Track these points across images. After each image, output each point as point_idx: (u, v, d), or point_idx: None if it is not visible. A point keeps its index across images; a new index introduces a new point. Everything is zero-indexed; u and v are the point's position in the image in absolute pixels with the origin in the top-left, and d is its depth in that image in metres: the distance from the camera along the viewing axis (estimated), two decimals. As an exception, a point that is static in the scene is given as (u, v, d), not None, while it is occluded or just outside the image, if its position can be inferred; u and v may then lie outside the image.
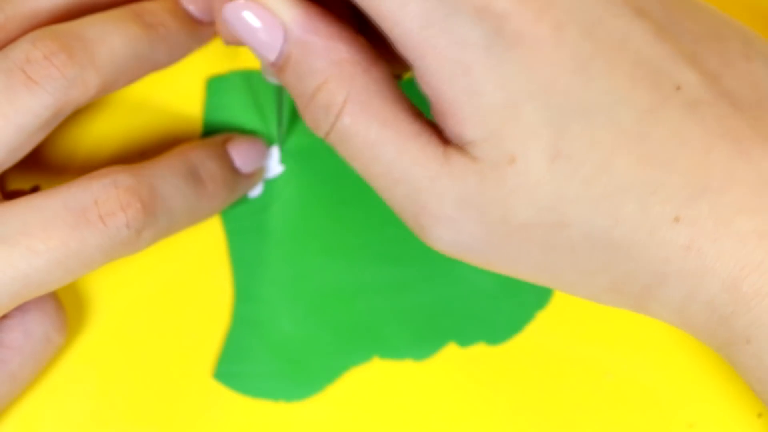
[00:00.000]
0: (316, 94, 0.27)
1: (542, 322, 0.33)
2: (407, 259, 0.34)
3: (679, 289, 0.26)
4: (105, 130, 0.34)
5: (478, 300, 0.33)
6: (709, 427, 0.32)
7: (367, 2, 0.26)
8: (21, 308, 0.30)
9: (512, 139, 0.25)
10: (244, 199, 0.34)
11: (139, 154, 0.34)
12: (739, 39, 0.27)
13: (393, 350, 0.33)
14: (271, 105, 0.34)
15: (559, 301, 0.33)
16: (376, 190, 0.27)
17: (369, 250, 0.34)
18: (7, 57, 0.29)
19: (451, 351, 0.33)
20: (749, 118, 0.26)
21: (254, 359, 0.33)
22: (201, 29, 0.33)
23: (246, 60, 0.35)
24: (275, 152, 0.34)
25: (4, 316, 0.30)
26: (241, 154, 0.33)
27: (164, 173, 0.30)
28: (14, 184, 0.33)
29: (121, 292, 0.33)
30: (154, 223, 0.30)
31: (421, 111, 0.27)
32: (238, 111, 0.34)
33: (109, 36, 0.30)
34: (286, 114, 0.34)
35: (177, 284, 0.33)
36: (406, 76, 0.34)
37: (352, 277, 0.33)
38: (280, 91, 0.33)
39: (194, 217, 0.32)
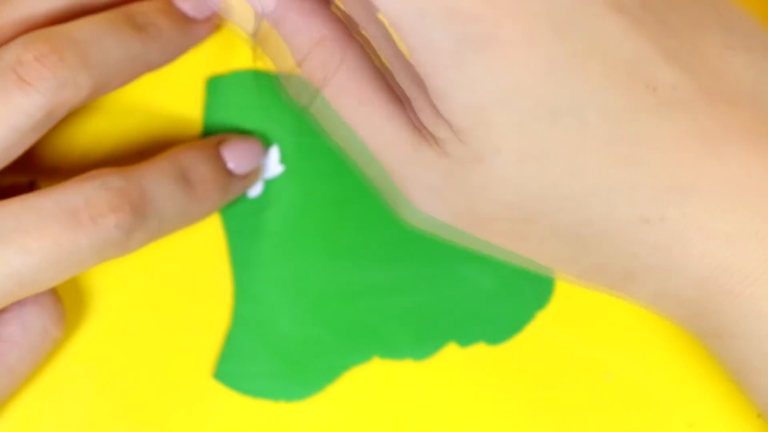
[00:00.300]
0: (296, 68, 0.27)
1: (542, 322, 0.33)
2: (407, 259, 0.34)
3: (650, 284, 0.26)
4: (104, 131, 0.34)
5: (478, 300, 0.33)
6: (709, 427, 0.32)
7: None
8: (18, 302, 0.30)
9: (480, 140, 0.25)
10: (244, 199, 0.34)
11: (138, 154, 0.34)
12: (721, 27, 0.26)
13: (393, 350, 0.33)
14: (272, 105, 0.34)
15: (559, 301, 0.33)
16: (356, 164, 0.28)
17: (369, 250, 0.34)
18: (0, 59, 0.29)
19: (451, 351, 0.33)
20: (724, 116, 0.25)
21: (254, 359, 0.33)
22: (195, 27, 0.33)
23: (246, 60, 0.35)
24: (275, 152, 0.34)
25: (2, 310, 0.30)
26: (235, 155, 0.33)
27: (154, 176, 0.30)
28: (10, 185, 0.33)
29: (121, 291, 0.33)
30: (144, 225, 0.30)
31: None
32: (238, 111, 0.34)
33: (100, 37, 0.30)
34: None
35: (177, 284, 0.33)
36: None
37: (352, 276, 0.33)
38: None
39: (186, 219, 0.32)
